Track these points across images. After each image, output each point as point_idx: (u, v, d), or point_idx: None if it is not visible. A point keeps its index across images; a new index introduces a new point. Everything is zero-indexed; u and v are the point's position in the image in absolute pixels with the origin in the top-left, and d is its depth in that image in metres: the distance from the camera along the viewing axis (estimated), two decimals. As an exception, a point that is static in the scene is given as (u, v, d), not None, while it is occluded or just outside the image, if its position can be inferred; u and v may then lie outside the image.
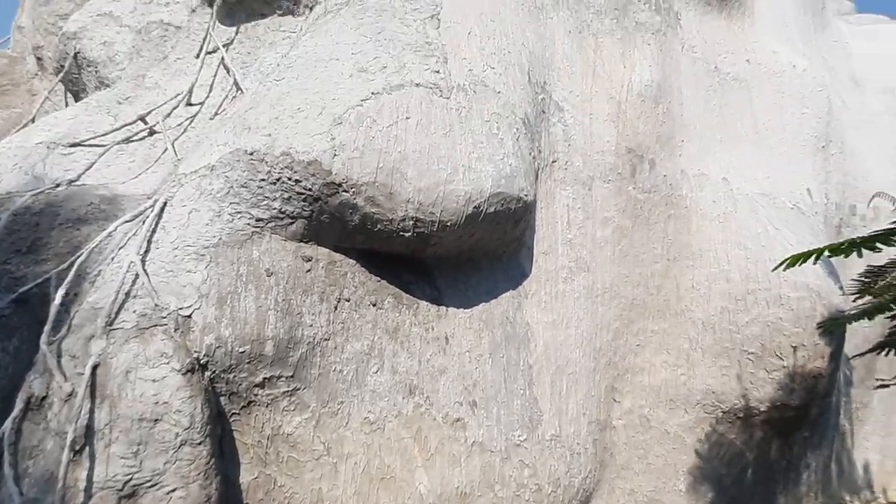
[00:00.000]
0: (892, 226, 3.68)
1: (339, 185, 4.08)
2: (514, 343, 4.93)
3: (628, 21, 5.99)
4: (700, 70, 6.26)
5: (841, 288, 5.56)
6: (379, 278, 4.50)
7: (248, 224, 4.12)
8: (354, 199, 4.12)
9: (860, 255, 3.89)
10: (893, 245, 3.56)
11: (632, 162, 5.60)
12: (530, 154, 4.86)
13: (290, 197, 4.11)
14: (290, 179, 4.08)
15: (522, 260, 5.11)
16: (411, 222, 4.23)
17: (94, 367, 3.51)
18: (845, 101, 7.59)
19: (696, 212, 5.72)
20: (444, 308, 4.71)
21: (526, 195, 4.62)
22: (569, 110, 5.54)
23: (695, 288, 5.56)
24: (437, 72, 4.56)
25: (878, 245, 3.62)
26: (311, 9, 5.78)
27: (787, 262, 4.15)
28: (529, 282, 5.12)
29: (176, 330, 3.70)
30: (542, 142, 5.28)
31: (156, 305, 3.72)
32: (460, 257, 4.77)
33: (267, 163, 4.10)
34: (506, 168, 4.48)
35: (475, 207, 4.33)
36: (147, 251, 3.98)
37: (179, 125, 5.60)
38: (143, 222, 4.13)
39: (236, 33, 6.12)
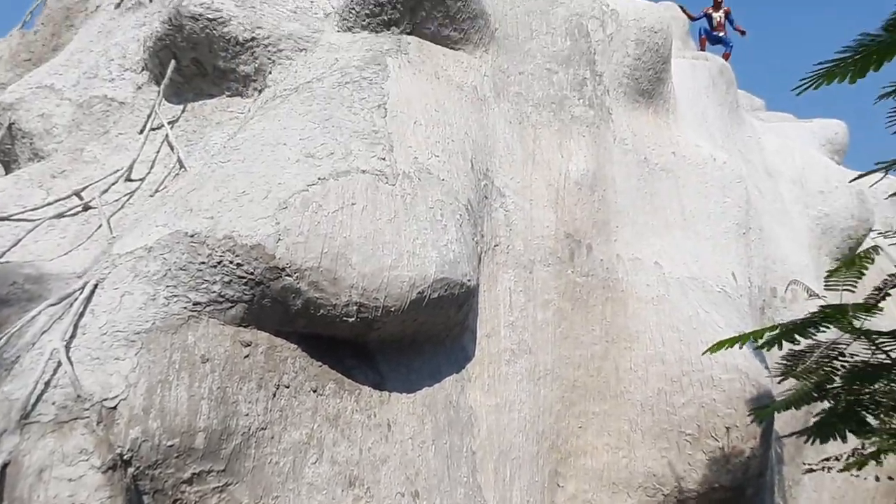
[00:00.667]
0: (809, 316, 3.94)
1: (283, 269, 4.04)
2: (457, 428, 4.86)
3: (564, 114, 6.39)
4: (631, 161, 6.69)
5: (767, 368, 5.83)
6: (321, 363, 4.40)
7: (185, 308, 3.99)
8: (298, 283, 4.08)
9: (780, 348, 4.12)
10: (809, 336, 3.80)
11: (570, 246, 5.83)
12: (473, 239, 4.99)
13: (231, 281, 4.03)
14: (231, 263, 4.01)
15: (466, 343, 5.13)
16: (355, 307, 4.20)
17: (4, 466, 3.22)
18: (761, 191, 8.24)
19: (632, 295, 5.95)
20: (387, 393, 4.62)
21: (469, 280, 4.70)
22: (510, 196, 5.76)
23: (633, 370, 5.70)
24: (384, 159, 4.68)
25: (797, 337, 3.86)
26: (259, 92, 5.90)
27: (714, 347, 4.33)
28: (473, 365, 5.12)
29: (98, 423, 3.46)
30: (484, 226, 5.44)
31: (78, 396, 3.49)
32: (404, 341, 4.74)
33: (208, 245, 4.03)
34: (449, 254, 4.56)
35: (419, 293, 4.37)
36: (73, 337, 3.76)
37: (117, 201, 5.47)
38: (71, 305, 3.93)
39: (183, 111, 6.13)
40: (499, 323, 5.40)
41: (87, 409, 3.48)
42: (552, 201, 5.89)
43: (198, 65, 6.00)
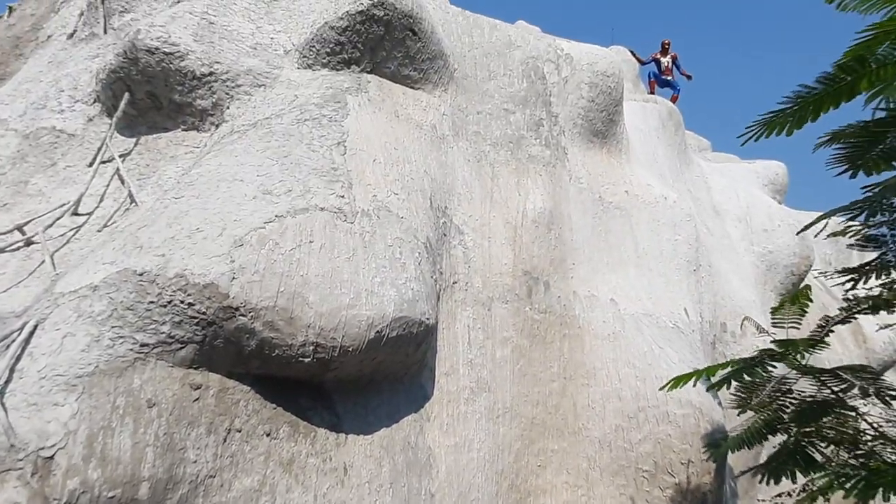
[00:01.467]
0: (757, 354, 4.06)
1: (237, 309, 3.94)
2: (415, 470, 4.76)
3: (522, 153, 6.53)
4: (586, 199, 6.86)
5: (720, 402, 5.95)
6: (275, 405, 4.27)
7: (131, 350, 3.82)
8: (252, 323, 3.97)
9: (729, 388, 4.23)
10: (758, 375, 3.91)
11: (528, 284, 5.88)
12: (432, 277, 4.98)
13: (182, 321, 3.89)
14: (182, 303, 3.89)
15: (424, 381, 5.08)
16: (311, 347, 4.12)
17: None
18: (710, 229, 8.55)
19: (589, 331, 6.03)
20: (344, 435, 4.51)
21: (428, 318, 4.68)
22: (469, 234, 5.80)
23: (590, 406, 5.73)
24: (342, 197, 4.67)
25: (745, 376, 3.96)
26: (216, 126, 5.82)
27: (671, 384, 4.41)
28: (431, 404, 5.06)
29: (34, 474, 3.26)
30: (443, 264, 5.45)
31: (11, 446, 3.28)
32: (361, 381, 4.66)
33: (158, 284, 3.90)
34: (408, 292, 4.54)
35: (377, 332, 4.31)
36: (8, 381, 3.55)
37: (62, 236, 5.26)
38: (8, 347, 3.72)
39: (135, 144, 5.99)
40: (458, 361, 5.37)
41: (22, 460, 3.27)
42: (510, 239, 5.96)
43: (153, 98, 5.90)
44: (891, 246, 3.48)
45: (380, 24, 5.92)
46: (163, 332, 3.88)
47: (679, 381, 4.40)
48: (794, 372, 4.18)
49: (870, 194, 3.45)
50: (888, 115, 3.48)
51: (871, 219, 3.69)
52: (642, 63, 13.69)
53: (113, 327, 3.82)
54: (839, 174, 3.55)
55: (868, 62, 3.15)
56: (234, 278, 3.97)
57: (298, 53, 6.11)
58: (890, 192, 3.28)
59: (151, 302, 3.87)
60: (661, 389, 4.93)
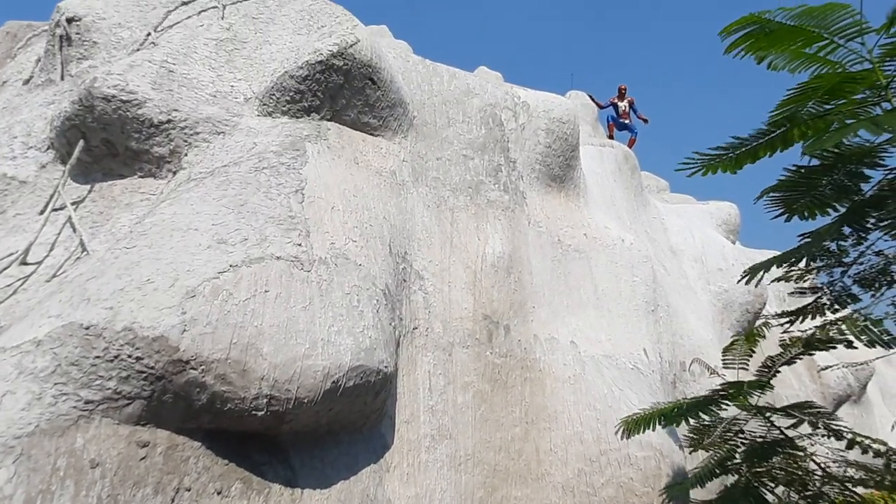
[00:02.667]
0: (708, 396, 4.14)
1: (187, 362, 3.85)
2: (374, 524, 4.64)
3: (481, 198, 6.64)
4: (545, 242, 6.97)
5: (680, 445, 5.99)
6: (227, 461, 4.14)
7: (75, 407, 3.69)
8: (203, 377, 3.88)
9: (688, 424, 4.29)
10: (710, 414, 3.98)
11: (488, 328, 5.91)
12: (391, 324, 4.97)
13: (129, 376, 3.78)
14: (130, 357, 3.78)
15: (384, 430, 5.00)
16: (265, 400, 4.03)
17: None
18: (667, 269, 8.75)
19: (550, 374, 6.05)
20: (300, 490, 4.38)
21: (386, 367, 4.64)
22: (429, 279, 5.82)
23: (553, 451, 5.71)
24: (299, 245, 4.65)
25: (701, 414, 4.03)
26: (174, 173, 5.79)
27: (630, 428, 4.44)
28: (391, 453, 4.97)
29: (-38, 546, 3.07)
30: (403, 310, 5.44)
31: (-61, 515, 3.10)
32: (318, 432, 4.56)
33: (105, 338, 3.79)
34: (366, 340, 4.51)
35: (334, 382, 4.25)
36: (-61, 445, 3.38)
37: (9, 286, 5.09)
38: (-59, 408, 3.55)
39: (89, 191, 5.90)
40: (418, 408, 5.31)
41: (-51, 530, 3.09)
42: (470, 283, 6.00)
43: (108, 145, 5.84)
44: (826, 290, 3.63)
45: (339, 74, 6.03)
46: (109, 388, 3.76)
47: (637, 424, 4.44)
48: (745, 413, 4.26)
49: (806, 241, 3.61)
50: (820, 163, 3.67)
51: (811, 264, 3.85)
52: (601, 107, 14.22)
53: (56, 384, 3.69)
54: (774, 218, 3.73)
55: (797, 116, 3.35)
56: (185, 330, 3.89)
57: (258, 101, 6.16)
58: (822, 239, 3.44)
59: (98, 357, 3.76)
60: (616, 433, 4.95)
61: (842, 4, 2.79)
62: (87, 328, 3.82)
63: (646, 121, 13.93)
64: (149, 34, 6.57)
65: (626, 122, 13.75)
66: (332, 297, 4.52)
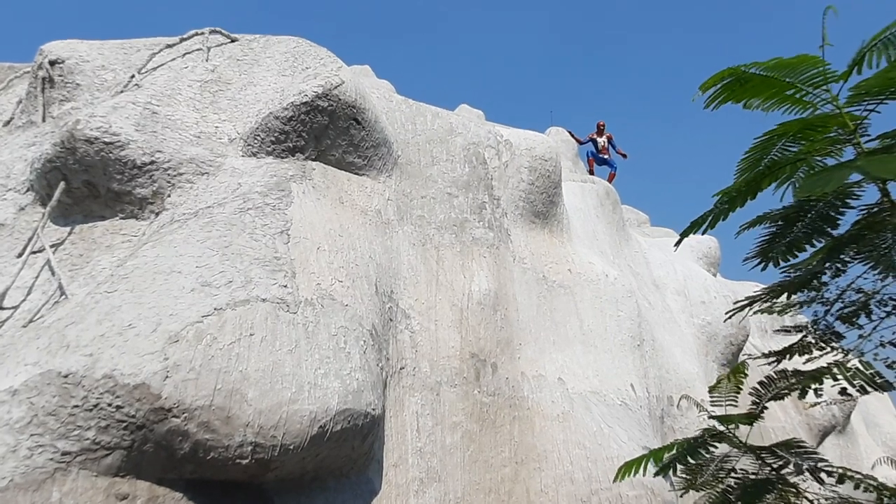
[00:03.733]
0: (698, 436, 4.12)
1: (169, 410, 3.75)
2: (362, 574, 4.50)
3: (466, 236, 6.66)
4: (531, 279, 6.99)
5: (671, 484, 5.93)
6: (209, 512, 4.00)
7: (52, 459, 3.56)
8: (186, 425, 3.78)
9: (675, 473, 4.24)
10: (700, 457, 3.95)
11: (476, 366, 5.86)
12: (378, 365, 4.91)
13: (109, 425, 3.67)
14: (110, 405, 3.68)
15: (371, 475, 4.89)
16: (250, 448, 3.92)
17: None
18: (651, 303, 8.81)
19: (538, 412, 5.99)
20: (285, 540, 4.24)
21: (374, 409, 4.56)
22: (415, 317, 5.79)
23: (543, 491, 5.61)
24: (285, 286, 4.61)
25: (689, 459, 4.00)
26: (157, 214, 5.73)
27: (621, 472, 4.38)
28: (379, 499, 4.85)
29: None
30: (390, 349, 5.39)
31: None
32: (304, 479, 4.44)
33: (84, 387, 3.69)
34: (353, 383, 4.44)
35: (321, 427, 4.17)
36: None
37: (-18, 333, 4.95)
38: None
39: (69, 233, 5.81)
40: (406, 450, 5.21)
41: None
42: (456, 321, 5.97)
43: (90, 186, 5.79)
44: (810, 328, 3.66)
45: (324, 115, 6.08)
46: (87, 439, 3.64)
47: (630, 467, 4.37)
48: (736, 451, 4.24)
49: (787, 276, 3.66)
50: (791, 210, 3.74)
51: (793, 296, 3.89)
52: (580, 143, 14.48)
53: (32, 435, 3.56)
54: (753, 267, 3.77)
55: (774, 161, 3.43)
56: (167, 377, 3.80)
57: (243, 142, 6.17)
58: (804, 276, 3.49)
59: (76, 406, 3.65)
60: (614, 481, 4.89)
61: (811, 57, 2.90)
62: (66, 376, 3.71)
63: (625, 156, 14.21)
64: (132, 76, 6.59)
65: (606, 157, 14.01)
66: (319, 338, 4.46)
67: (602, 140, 14.17)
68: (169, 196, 5.75)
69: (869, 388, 3.18)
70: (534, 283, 6.97)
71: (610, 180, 13.09)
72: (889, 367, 3.07)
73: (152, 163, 5.72)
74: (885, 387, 3.14)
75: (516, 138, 7.75)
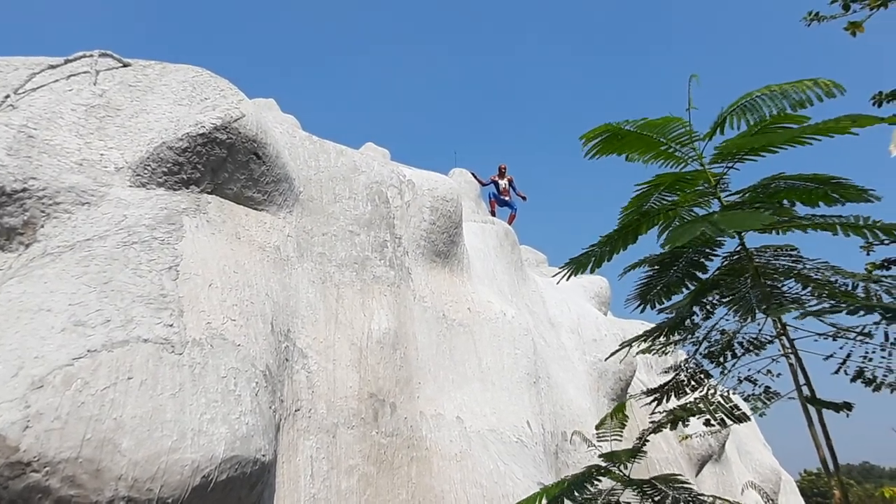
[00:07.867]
0: (584, 471, 4.28)
1: (28, 464, 3.38)
2: None
3: (367, 274, 6.63)
4: (431, 317, 7.05)
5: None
6: (70, 578, 3.60)
7: None
8: (47, 480, 3.42)
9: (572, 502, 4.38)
10: (586, 492, 4.11)
11: (374, 406, 5.78)
12: (271, 408, 4.71)
13: (-48, 485, 3.25)
14: (-45, 462, 3.26)
15: (260, 526, 4.63)
16: (122, 503, 3.61)
17: None
18: (546, 340, 9.13)
19: (436, 452, 5.98)
20: None
21: (264, 455, 4.36)
22: (313, 357, 5.64)
23: (439, 533, 5.56)
24: (171, 325, 4.35)
25: (575, 494, 4.15)
26: (27, 246, 5.26)
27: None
28: (267, 552, 4.59)
29: None
30: (285, 390, 5.20)
31: None
32: (184, 534, 4.12)
33: (-76, 441, 3.26)
34: (242, 428, 4.23)
35: (204, 477, 3.91)
36: None
37: None
38: None
39: (-81, 265, 5.18)
40: (299, 497, 5.00)
41: None
42: (355, 361, 5.89)
43: (-53, 214, 5.22)
44: (682, 367, 3.96)
45: (223, 147, 5.91)
46: (-77, 501, 3.20)
47: (521, 504, 4.45)
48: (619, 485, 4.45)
49: (665, 319, 3.97)
50: (666, 255, 4.07)
51: (670, 338, 4.20)
52: (482, 184, 14.98)
53: None
54: (633, 309, 4.06)
55: (647, 210, 3.75)
56: (27, 427, 3.43)
57: (131, 171, 5.84)
58: (677, 317, 3.80)
59: (-89, 463, 3.21)
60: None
61: (676, 118, 3.23)
62: None
63: (524, 198, 14.84)
64: (7, 96, 6.09)
65: (507, 198, 14.57)
66: (206, 381, 4.23)
67: (503, 182, 14.75)
68: (42, 227, 5.31)
69: (728, 421, 3.47)
70: (434, 322, 7.03)
71: (510, 221, 13.59)
72: (745, 399, 3.38)
73: (24, 190, 5.27)
74: (741, 418, 3.44)
75: (419, 178, 7.90)
